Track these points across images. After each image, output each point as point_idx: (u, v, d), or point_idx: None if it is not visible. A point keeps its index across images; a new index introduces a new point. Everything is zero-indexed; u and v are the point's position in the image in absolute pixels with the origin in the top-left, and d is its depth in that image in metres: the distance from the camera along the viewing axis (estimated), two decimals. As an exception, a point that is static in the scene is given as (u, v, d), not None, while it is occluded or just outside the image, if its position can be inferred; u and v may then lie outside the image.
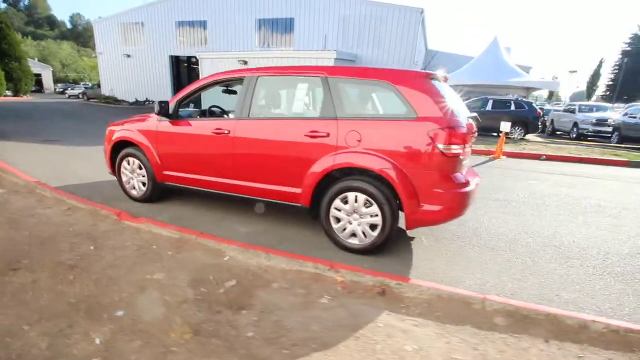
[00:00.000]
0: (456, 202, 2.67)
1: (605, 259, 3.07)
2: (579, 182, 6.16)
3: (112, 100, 21.07)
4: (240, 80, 3.46)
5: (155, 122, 3.74)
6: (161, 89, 22.55)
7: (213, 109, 4.12)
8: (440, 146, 2.55)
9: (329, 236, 3.05)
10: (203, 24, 20.64)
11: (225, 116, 4.14)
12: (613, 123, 12.88)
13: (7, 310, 1.92)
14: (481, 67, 16.93)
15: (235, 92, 4.43)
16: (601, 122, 13.33)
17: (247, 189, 3.32)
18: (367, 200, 2.80)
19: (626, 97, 37.77)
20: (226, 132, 3.26)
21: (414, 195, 2.66)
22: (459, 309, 2.15)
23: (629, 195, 5.25)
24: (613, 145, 11.89)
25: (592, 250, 3.24)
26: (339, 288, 2.35)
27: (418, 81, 2.70)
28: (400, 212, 2.81)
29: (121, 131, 4.00)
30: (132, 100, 21.92)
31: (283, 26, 19.25)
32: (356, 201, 2.85)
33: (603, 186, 5.87)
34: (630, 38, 47.07)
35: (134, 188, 4.07)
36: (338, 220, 2.98)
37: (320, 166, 2.90)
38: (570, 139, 14.00)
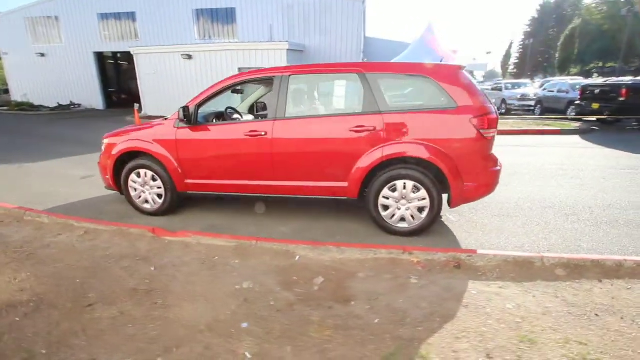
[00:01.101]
0: (493, 179, 3.05)
1: (591, 212, 3.74)
2: (534, 151, 7.18)
3: (28, 107, 18.18)
4: (267, 80, 3.41)
5: (172, 129, 3.50)
6: (88, 90, 20.07)
7: (228, 111, 3.97)
8: (482, 130, 2.88)
9: (377, 223, 3.24)
10: (131, 16, 18.70)
11: (240, 117, 4.02)
12: (534, 97, 14.91)
13: (125, 348, 1.77)
14: (419, 52, 18.16)
15: (240, 92, 4.32)
16: (524, 97, 15.35)
17: (287, 189, 3.33)
18: (415, 186, 3.05)
19: (529, 73, 43.65)
20: (262, 133, 3.22)
21: (459, 177, 2.97)
22: (524, 269, 2.52)
23: (578, 158, 6.31)
24: (538, 117, 13.83)
25: (578, 206, 3.91)
26: (419, 268, 2.57)
27: (454, 73, 2.98)
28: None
29: (127, 142, 3.66)
30: (53, 104, 19.20)
31: (224, 16, 18.33)
32: (404, 188, 3.07)
33: (554, 153, 6.93)
34: (530, 20, 54.02)
35: (147, 202, 3.78)
36: (385, 207, 3.18)
37: (369, 159, 3.05)
38: (500, 114, 15.89)
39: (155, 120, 4.22)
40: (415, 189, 3.06)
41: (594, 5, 45.33)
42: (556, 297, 2.21)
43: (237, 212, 3.88)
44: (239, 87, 3.73)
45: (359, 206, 3.28)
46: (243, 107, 4.85)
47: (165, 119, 3.75)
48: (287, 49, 14.60)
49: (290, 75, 3.24)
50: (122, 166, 3.76)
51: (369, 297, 2.23)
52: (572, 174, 5.24)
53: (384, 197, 3.14)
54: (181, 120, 3.34)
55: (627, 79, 9.66)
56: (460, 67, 3.03)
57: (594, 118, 10.53)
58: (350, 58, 17.28)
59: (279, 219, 3.65)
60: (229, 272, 2.53)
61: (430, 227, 3.17)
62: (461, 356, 1.70)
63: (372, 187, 3.12)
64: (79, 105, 19.48)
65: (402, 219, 3.18)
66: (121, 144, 3.68)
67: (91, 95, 19.95)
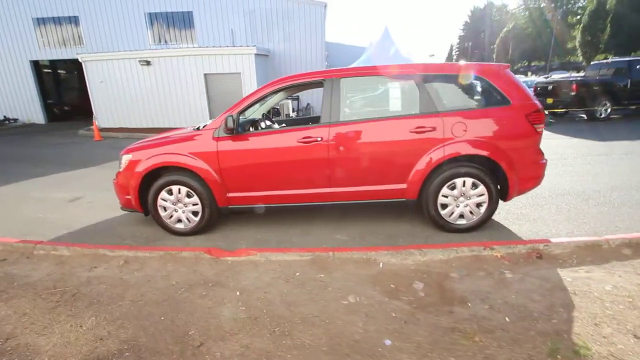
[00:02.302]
0: (542, 171, 3.23)
1: (603, 195, 4.13)
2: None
3: (-52, 124, 15.61)
4: (315, 84, 3.27)
5: (210, 141, 3.20)
6: (24, 102, 17.79)
7: (260, 119, 3.74)
8: (535, 125, 3.04)
9: (435, 222, 3.26)
10: (73, 20, 16.95)
11: (272, 125, 3.81)
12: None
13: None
14: (378, 56, 18.84)
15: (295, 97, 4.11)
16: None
17: (343, 195, 3.22)
18: (473, 183, 3.12)
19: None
20: (318, 139, 3.08)
21: (515, 171, 3.10)
22: (595, 252, 2.70)
23: (555, 148, 6.95)
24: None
25: (588, 191, 4.30)
26: (505, 262, 2.63)
27: (504, 72, 3.11)
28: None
29: (157, 157, 3.27)
30: (-20, 120, 16.74)
31: (180, 21, 17.39)
32: (464, 185, 3.13)
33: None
34: (463, 24, 58.89)
35: (180, 220, 3.43)
36: (443, 206, 3.22)
37: (429, 158, 3.06)
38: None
39: (180, 130, 3.86)
40: (474, 186, 3.13)
41: (518, 10, 50.65)
42: (637, 274, 2.40)
43: (279, 222, 3.67)
44: (288, 92, 3.53)
45: (412, 207, 3.28)
46: (257, 114, 4.62)
47: (198, 129, 3.43)
48: (255, 54, 14.28)
49: (341, 79, 3.14)
50: (147, 184, 3.37)
51: (480, 297, 2.23)
52: (562, 163, 5.75)
53: (443, 195, 3.17)
54: (226, 130, 3.07)
55: (575, 75, 10.91)
56: (507, 66, 3.17)
57: (546, 112, 11.72)
58: (315, 63, 17.37)
59: (329, 227, 3.52)
60: (322, 288, 2.37)
61: (488, 221, 3.27)
62: (614, 340, 1.76)
63: (431, 186, 3.14)
64: (15, 120, 17.16)
65: (461, 216, 3.24)
66: (149, 159, 3.29)
67: (29, 109, 17.70)
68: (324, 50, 18.44)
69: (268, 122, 3.87)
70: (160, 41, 17.87)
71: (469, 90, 3.23)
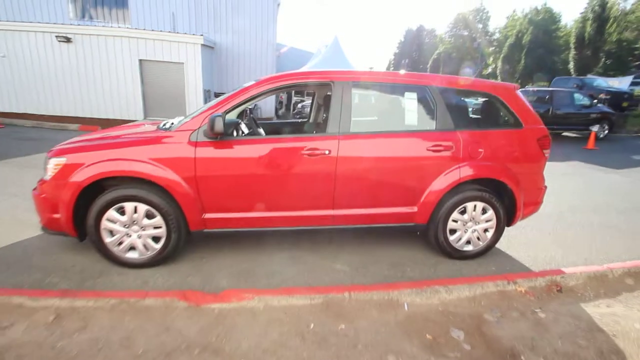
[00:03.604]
0: (542, 197, 3.17)
1: (571, 216, 4.34)
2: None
3: None
4: (321, 86, 2.75)
5: (184, 145, 2.47)
6: None
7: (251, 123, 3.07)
8: (544, 150, 2.96)
9: (442, 248, 2.98)
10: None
11: (259, 130, 3.16)
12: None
13: None
14: (327, 64, 18.82)
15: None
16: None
17: (347, 218, 2.76)
18: (484, 208, 2.93)
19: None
20: (326, 152, 2.57)
21: (522, 195, 2.98)
22: (604, 283, 2.67)
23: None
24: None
25: (587, 209, 4.47)
26: (531, 298, 2.43)
27: (516, 94, 2.97)
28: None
29: (105, 162, 2.41)
30: None
31: (111, -4, 15.16)
32: (474, 209, 2.91)
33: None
34: (398, 43, 62.93)
35: (133, 248, 2.60)
36: (452, 231, 2.96)
37: (445, 180, 2.77)
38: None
39: (134, 129, 2.99)
40: (483, 211, 2.94)
41: (446, 36, 55.93)
42: (654, 308, 2.39)
43: (260, 246, 3.04)
44: (288, 91, 2.92)
45: (418, 233, 2.97)
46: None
47: (165, 128, 2.66)
48: (202, 44, 13.02)
49: (354, 82, 2.69)
50: (87, 199, 2.48)
51: (528, 346, 1.96)
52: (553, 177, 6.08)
53: (452, 220, 2.91)
54: (211, 134, 2.37)
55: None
56: (517, 87, 3.05)
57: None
58: (266, 62, 16.59)
59: (323, 253, 3.01)
60: (351, 347, 1.87)
61: (493, 248, 3.10)
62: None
63: (441, 210, 2.85)
64: None
65: (467, 242, 3.01)
66: (93, 165, 2.40)
67: None
68: (274, 49, 17.75)
69: (245, 126, 3.21)
70: (84, 17, 15.34)
71: (482, 108, 3.04)
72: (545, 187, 3.17)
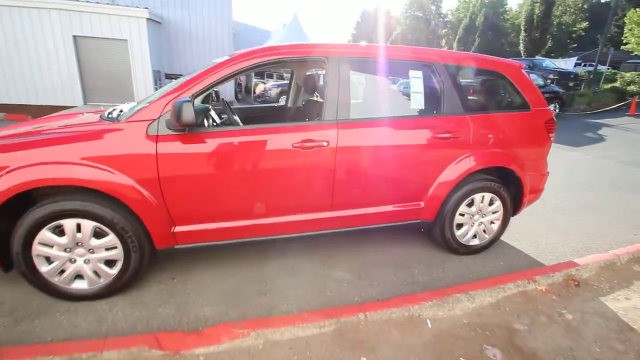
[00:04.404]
0: (544, 183, 3.01)
1: (580, 195, 4.30)
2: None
3: None
4: (310, 62, 2.26)
5: (141, 140, 1.88)
6: None
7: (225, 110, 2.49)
8: (550, 134, 2.75)
9: (448, 245, 2.71)
10: None
11: (234, 118, 2.60)
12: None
13: None
14: (287, 42, 17.91)
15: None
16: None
17: (348, 220, 2.36)
18: (492, 199, 2.68)
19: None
20: (324, 143, 2.11)
21: (527, 182, 2.78)
22: (615, 271, 2.57)
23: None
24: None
25: (564, 190, 4.31)
26: (553, 297, 2.24)
27: (523, 72, 2.70)
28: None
29: (29, 168, 1.76)
30: None
31: (32, -40, 12.90)
32: (482, 201, 2.66)
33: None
34: (355, 24, 62.40)
35: (80, 277, 2.01)
36: (459, 226, 2.70)
37: (455, 171, 2.46)
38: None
39: (66, 119, 2.31)
40: (490, 202, 2.70)
41: (402, 17, 56.37)
42: (670, 296, 2.31)
43: (242, 255, 2.57)
44: (268, 68, 2.38)
45: (409, 228, 2.67)
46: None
47: (113, 119, 2.03)
48: (147, 18, 11.59)
49: (352, 59, 2.23)
50: (8, 215, 1.83)
51: (567, 358, 1.74)
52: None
53: (459, 214, 2.64)
54: (177, 125, 1.81)
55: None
56: (522, 65, 2.79)
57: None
58: (222, 40, 15.32)
59: (315, 259, 2.61)
60: (379, 387, 1.51)
61: (498, 240, 2.90)
62: None
63: (449, 203, 2.56)
64: None
65: (473, 236, 2.77)
66: (13, 173, 1.75)
67: None
68: (231, 26, 16.48)
69: (215, 112, 2.65)
70: (-2, -16, 12.97)
71: (490, 89, 2.75)
72: (547, 172, 3.00)
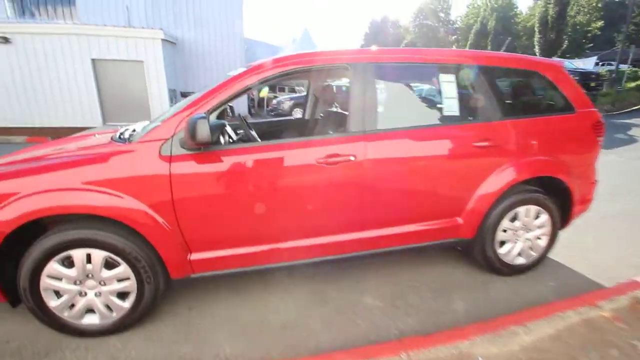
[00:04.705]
0: (593, 192, 2.71)
1: (624, 201, 3.93)
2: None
3: None
4: (334, 71, 2.09)
5: (154, 161, 1.73)
6: None
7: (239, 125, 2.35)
8: (599, 138, 2.48)
9: (490, 265, 2.44)
10: None
11: (249, 131, 2.44)
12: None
13: None
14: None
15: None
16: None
17: (380, 241, 2.14)
18: (538, 211, 2.41)
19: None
20: (350, 158, 1.92)
21: (576, 192, 2.49)
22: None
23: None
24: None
25: (606, 194, 3.97)
26: (620, 324, 1.93)
27: (564, 71, 2.45)
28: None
29: (35, 197, 1.63)
30: None
31: (55, -8, 13.54)
32: (527, 215, 2.39)
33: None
34: (364, 35, 62.89)
35: (92, 311, 1.85)
36: (501, 243, 2.43)
37: (496, 182, 2.21)
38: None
39: (74, 142, 2.20)
40: (536, 215, 2.43)
41: (410, 26, 56.50)
42: None
43: (264, 284, 2.36)
44: (285, 79, 2.25)
45: (461, 249, 2.41)
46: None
47: (124, 140, 1.90)
48: (162, 39, 11.85)
49: (377, 64, 2.04)
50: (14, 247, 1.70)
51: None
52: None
53: (502, 230, 2.38)
54: (193, 144, 1.65)
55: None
56: (563, 64, 2.54)
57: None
58: (234, 57, 15.54)
59: (346, 285, 2.38)
60: None
61: (545, 257, 2.61)
62: None
63: (490, 218, 2.30)
64: None
65: (518, 254, 2.49)
66: (18, 202, 1.62)
67: None
68: (242, 43, 16.75)
69: (230, 128, 2.50)
70: (24, 14, 13.64)
71: (530, 91, 2.51)
72: (597, 180, 2.70)
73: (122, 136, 2.02)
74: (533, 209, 2.38)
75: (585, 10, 33.41)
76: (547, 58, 2.56)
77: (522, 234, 2.44)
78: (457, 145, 2.13)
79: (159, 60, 11.64)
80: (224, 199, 1.83)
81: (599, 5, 32.85)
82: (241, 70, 2.01)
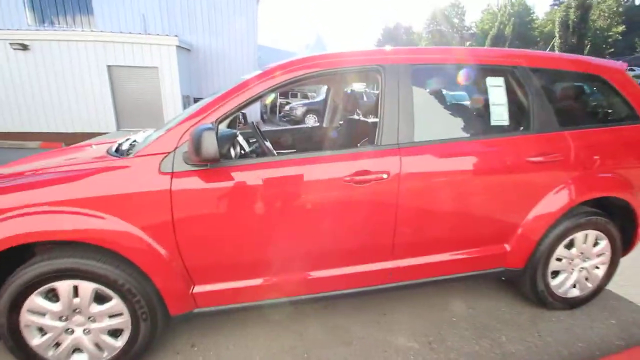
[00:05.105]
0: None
1: None
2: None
3: None
4: (363, 73, 1.82)
5: (153, 177, 1.47)
6: None
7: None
8: (671, 152, 2.11)
9: (540, 298, 2.09)
10: None
11: (264, 143, 2.18)
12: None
13: None
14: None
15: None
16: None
17: (414, 271, 1.83)
18: (597, 237, 2.06)
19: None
20: (383, 175, 1.62)
21: (642, 215, 2.13)
22: None
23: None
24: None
25: None
26: None
27: (628, 75, 2.11)
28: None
29: (10, 221, 1.39)
30: None
31: (74, 2, 13.78)
32: (584, 241, 2.04)
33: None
34: (377, 41, 62.83)
35: (79, 350, 1.59)
36: (554, 273, 2.08)
37: (554, 203, 1.87)
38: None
39: (75, 152, 1.98)
40: (595, 241, 2.07)
41: (424, 32, 56.08)
42: None
43: (279, 317, 2.07)
44: (303, 83, 1.99)
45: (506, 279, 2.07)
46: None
47: (122, 153, 1.66)
48: (177, 46, 11.85)
49: (414, 66, 1.75)
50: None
51: None
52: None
53: (556, 258, 2.03)
54: (198, 158, 1.39)
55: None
56: (626, 66, 2.20)
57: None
58: (247, 64, 15.50)
59: (372, 319, 2.06)
60: None
61: (604, 289, 2.24)
62: None
63: (543, 245, 1.96)
64: None
65: (573, 285, 2.14)
66: (5, 223, 1.39)
67: None
68: (256, 49, 16.72)
69: (242, 138, 2.23)
70: (43, 22, 13.90)
71: (589, 97, 2.18)
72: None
73: (119, 148, 1.78)
74: (592, 234, 2.03)
75: (606, 14, 32.44)
76: (608, 59, 2.22)
77: (578, 262, 2.09)
78: (509, 161, 1.80)
79: (173, 66, 11.65)
80: (235, 223, 1.56)
81: (620, 9, 31.88)
82: (256, 73, 1.75)
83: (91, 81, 11.11)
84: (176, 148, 1.51)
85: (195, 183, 1.50)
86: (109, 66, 11.11)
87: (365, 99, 11.11)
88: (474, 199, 1.80)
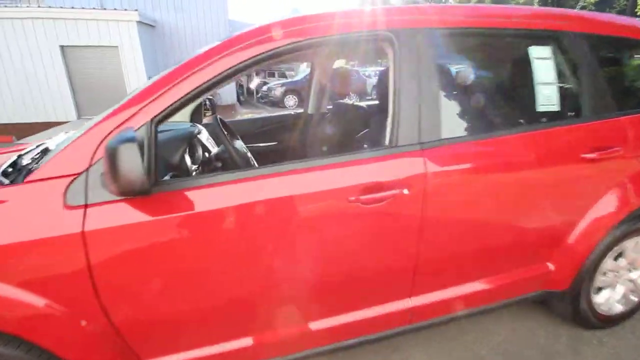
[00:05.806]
0: None
1: None
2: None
3: None
4: (369, 41, 1.29)
5: (55, 214, 0.94)
6: None
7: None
8: None
9: (580, 319, 1.73)
10: None
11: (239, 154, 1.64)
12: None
13: None
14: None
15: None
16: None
17: (437, 307, 1.40)
18: (646, 245, 1.70)
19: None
20: (404, 191, 1.15)
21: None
22: None
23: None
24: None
25: None
26: None
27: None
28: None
29: None
30: None
31: (15, -30, 12.11)
32: (635, 250, 1.67)
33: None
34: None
35: None
36: (598, 289, 1.72)
37: (610, 208, 1.46)
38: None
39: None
40: (642, 249, 1.71)
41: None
42: None
43: None
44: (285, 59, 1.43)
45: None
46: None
47: (5, 173, 1.11)
48: (138, 21, 10.67)
49: (440, 30, 1.25)
50: None
51: None
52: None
53: (602, 272, 1.66)
54: (114, 189, 0.87)
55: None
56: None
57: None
58: (219, 39, 14.34)
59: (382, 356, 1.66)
60: None
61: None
62: None
63: (589, 259, 1.58)
64: None
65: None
66: None
67: None
68: (227, 26, 15.54)
69: (207, 134, 1.69)
70: (-19, -3, 12.23)
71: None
72: None
73: (10, 167, 1.19)
74: (643, 240, 1.66)
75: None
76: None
77: (623, 274, 1.74)
78: (561, 159, 1.37)
79: (135, 45, 10.55)
80: (194, 273, 1.06)
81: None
82: (215, 44, 1.21)
83: (43, 64, 9.93)
84: (90, 166, 0.97)
85: (122, 217, 0.98)
86: (62, 46, 9.93)
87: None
88: (520, 211, 1.37)
